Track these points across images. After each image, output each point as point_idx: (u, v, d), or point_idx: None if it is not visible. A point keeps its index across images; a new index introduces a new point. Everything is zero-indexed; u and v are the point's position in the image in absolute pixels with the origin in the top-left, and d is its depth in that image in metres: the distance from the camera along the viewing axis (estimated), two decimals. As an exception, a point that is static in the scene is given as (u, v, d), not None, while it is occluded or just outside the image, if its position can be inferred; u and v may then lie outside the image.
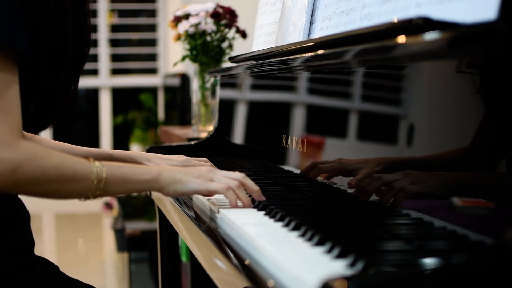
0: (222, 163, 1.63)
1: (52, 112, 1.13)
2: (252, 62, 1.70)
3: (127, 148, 5.22)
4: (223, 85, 1.97)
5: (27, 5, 0.97)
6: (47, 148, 0.98)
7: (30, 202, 1.16)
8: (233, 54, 2.21)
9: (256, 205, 1.11)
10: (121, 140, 5.52)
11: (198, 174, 1.10)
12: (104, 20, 5.47)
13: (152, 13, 5.62)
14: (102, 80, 5.52)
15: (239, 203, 1.10)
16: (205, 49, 2.34)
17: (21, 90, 1.00)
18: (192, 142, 1.92)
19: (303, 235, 0.89)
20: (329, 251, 0.80)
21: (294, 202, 1.18)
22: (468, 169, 0.87)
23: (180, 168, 1.13)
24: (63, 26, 1.06)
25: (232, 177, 1.11)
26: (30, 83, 1.04)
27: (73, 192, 1.01)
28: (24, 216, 1.10)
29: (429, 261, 0.67)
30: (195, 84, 2.41)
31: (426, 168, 0.94)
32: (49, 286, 1.12)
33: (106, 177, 1.01)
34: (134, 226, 3.12)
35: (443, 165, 0.91)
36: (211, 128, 2.16)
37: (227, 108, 1.91)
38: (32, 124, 1.13)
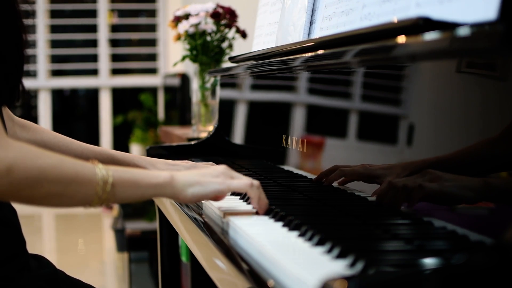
0: (222, 163, 1.63)
1: (11, 90, 1.07)
2: (252, 62, 1.70)
3: (127, 148, 5.22)
4: (223, 85, 1.97)
5: None
6: (42, 149, 0.90)
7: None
8: (233, 54, 2.22)
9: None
10: (121, 140, 5.52)
11: (216, 173, 1.00)
12: (104, 20, 5.47)
13: (152, 13, 5.62)
14: (102, 80, 5.52)
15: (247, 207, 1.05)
16: (205, 49, 2.34)
17: None
18: (192, 142, 1.92)
19: (303, 235, 0.89)
20: (329, 251, 0.80)
21: (294, 202, 1.18)
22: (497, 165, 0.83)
23: (193, 170, 1.04)
24: None
25: (250, 180, 1.04)
26: None
27: (77, 196, 0.90)
28: (11, 219, 1.08)
29: (429, 261, 0.67)
30: (195, 84, 2.41)
31: (453, 169, 0.88)
32: None
33: (113, 180, 0.91)
34: (134, 226, 3.12)
35: (472, 163, 0.86)
36: (211, 128, 2.16)
37: (227, 108, 1.91)
38: None
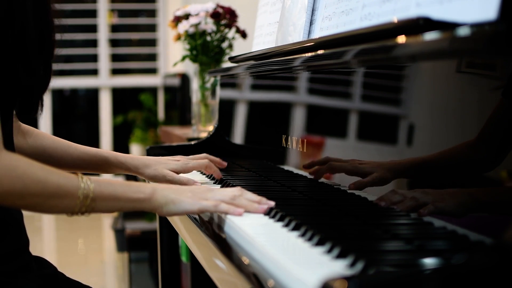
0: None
1: (34, 103, 1.10)
2: (252, 62, 1.70)
3: (127, 148, 5.22)
4: (223, 85, 1.97)
5: None
6: (31, 161, 0.94)
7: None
8: (233, 54, 2.21)
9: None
10: (121, 140, 5.52)
11: (191, 194, 1.05)
12: (104, 20, 5.47)
13: (152, 13, 5.62)
14: (102, 80, 5.52)
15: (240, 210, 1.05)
16: (205, 49, 2.34)
17: (1, 91, 0.99)
18: (192, 142, 1.92)
19: (303, 235, 0.89)
20: (329, 251, 0.80)
21: (294, 202, 1.18)
22: (475, 167, 0.85)
23: (175, 186, 1.08)
24: (22, 20, 1.01)
25: (228, 193, 1.07)
26: (7, 83, 1.02)
27: (58, 207, 0.96)
28: (15, 216, 1.09)
29: (429, 261, 0.67)
30: (195, 84, 2.41)
31: (437, 169, 0.91)
32: None
33: (94, 194, 0.97)
34: (134, 226, 3.12)
35: (452, 164, 0.88)
36: (211, 128, 2.16)
37: (227, 108, 1.91)
38: (19, 114, 1.12)
